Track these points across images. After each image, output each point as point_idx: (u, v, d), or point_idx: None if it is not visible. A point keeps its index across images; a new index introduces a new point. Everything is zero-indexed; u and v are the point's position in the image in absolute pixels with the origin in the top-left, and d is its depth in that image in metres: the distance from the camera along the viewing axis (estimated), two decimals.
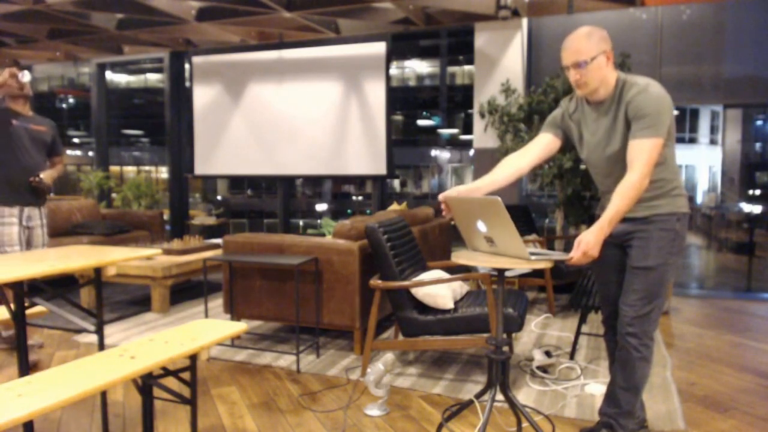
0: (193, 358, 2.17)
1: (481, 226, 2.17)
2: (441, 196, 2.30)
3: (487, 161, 5.69)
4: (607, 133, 2.24)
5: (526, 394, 2.98)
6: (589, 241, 2.05)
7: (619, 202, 2.08)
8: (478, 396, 2.43)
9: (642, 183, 2.09)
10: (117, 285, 5.58)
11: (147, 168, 27.40)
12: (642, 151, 2.09)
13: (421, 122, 26.43)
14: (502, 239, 2.14)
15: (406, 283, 3.10)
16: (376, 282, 3.15)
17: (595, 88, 2.23)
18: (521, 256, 2.12)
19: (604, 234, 2.07)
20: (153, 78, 27.36)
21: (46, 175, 3.53)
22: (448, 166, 26.71)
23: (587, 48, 2.18)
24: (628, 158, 2.13)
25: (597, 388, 3.01)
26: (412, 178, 27.30)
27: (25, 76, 3.48)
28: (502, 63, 5.63)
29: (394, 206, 5.18)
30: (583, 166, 5.20)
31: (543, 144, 2.43)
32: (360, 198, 26.41)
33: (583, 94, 2.28)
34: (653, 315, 2.23)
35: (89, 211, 6.19)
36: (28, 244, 3.53)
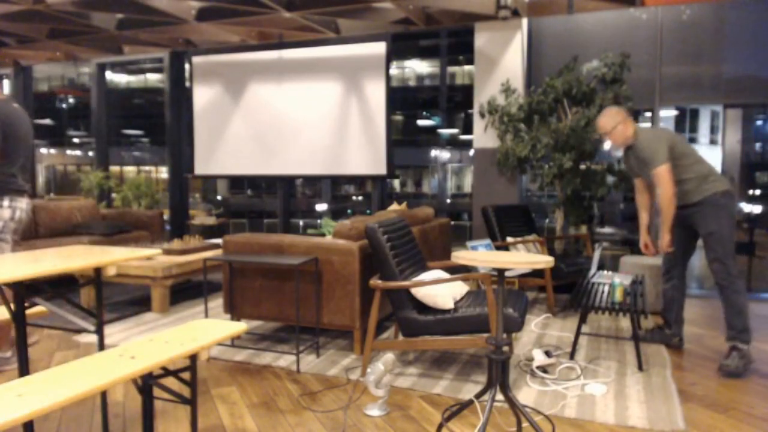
0: (193, 358, 2.17)
1: None
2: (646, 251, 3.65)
3: (487, 161, 5.69)
4: (640, 165, 3.54)
5: (526, 394, 2.98)
6: (665, 241, 3.39)
7: (664, 214, 3.34)
8: (478, 396, 2.43)
9: (667, 194, 3.29)
10: (117, 285, 5.59)
11: (147, 168, 27.40)
12: (656, 177, 3.34)
13: (421, 122, 26.41)
14: None
15: (406, 283, 3.10)
16: (376, 282, 3.15)
17: (622, 144, 3.55)
18: None
19: (668, 231, 3.38)
20: (153, 78, 27.35)
21: None
22: (448, 166, 26.71)
23: (606, 124, 3.53)
24: (655, 184, 3.38)
25: (597, 388, 3.01)
26: (412, 178, 27.30)
27: None
28: (502, 63, 5.63)
29: (394, 206, 5.18)
30: (582, 167, 5.21)
31: (642, 183, 3.69)
32: (360, 198, 26.41)
33: (617, 147, 3.59)
34: (728, 261, 3.28)
35: (89, 211, 6.19)
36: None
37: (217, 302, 4.93)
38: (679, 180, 3.39)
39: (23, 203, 3.33)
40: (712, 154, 24.27)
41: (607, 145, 3.61)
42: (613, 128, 3.48)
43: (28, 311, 2.26)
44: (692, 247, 3.63)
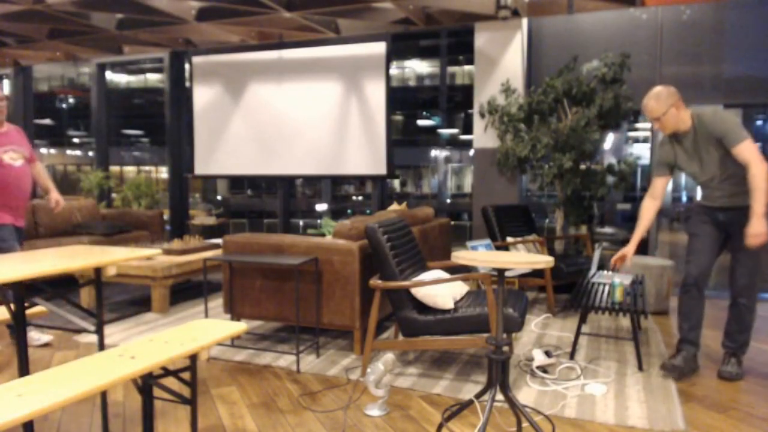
0: (193, 358, 2.17)
1: None
2: (614, 260, 3.26)
3: (487, 161, 5.69)
4: (696, 152, 3.11)
5: (526, 394, 2.98)
6: (756, 229, 2.84)
7: (759, 192, 2.83)
8: (478, 396, 2.43)
9: (763, 168, 2.83)
10: (117, 285, 5.59)
11: (147, 168, 27.38)
12: (745, 149, 2.88)
13: (421, 122, 26.40)
14: None
15: (406, 283, 3.10)
16: (376, 282, 3.15)
17: (673, 130, 3.10)
18: None
19: (762, 218, 2.84)
20: (153, 78, 27.33)
21: None
22: (448, 167, 26.70)
23: (658, 107, 3.05)
24: (742, 160, 2.90)
25: (597, 388, 3.01)
26: (412, 178, 27.29)
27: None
28: (502, 63, 5.63)
29: (394, 206, 5.18)
30: (582, 167, 5.20)
31: (663, 183, 3.29)
32: (360, 198, 26.40)
33: (666, 134, 3.16)
34: (755, 279, 3.10)
35: (89, 211, 6.19)
36: None
37: (217, 302, 4.93)
38: (735, 176, 3.03)
39: None
40: None
41: (655, 127, 3.15)
42: (665, 112, 3.04)
43: (28, 311, 2.26)
44: (719, 255, 3.28)
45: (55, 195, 3.83)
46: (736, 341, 3.23)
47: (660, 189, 3.30)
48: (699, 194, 3.35)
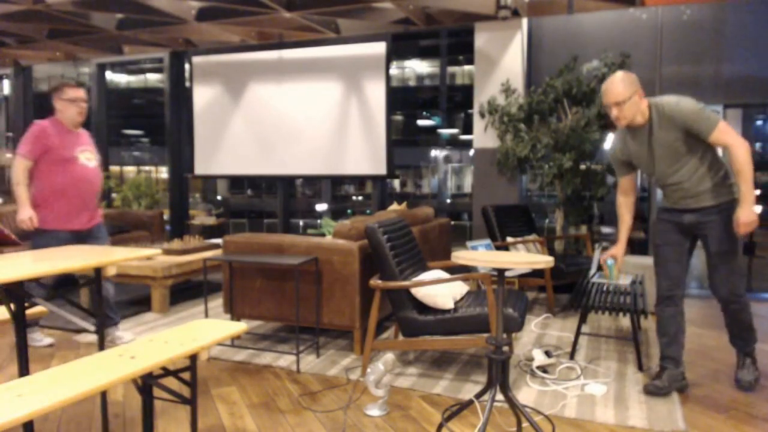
0: (193, 358, 2.17)
1: None
2: (602, 259, 3.11)
3: (487, 161, 5.69)
4: (650, 147, 2.84)
5: (526, 394, 2.98)
6: (747, 216, 2.59)
7: (744, 175, 2.59)
8: (478, 396, 2.43)
9: (744, 148, 2.59)
10: (117, 285, 5.58)
11: (147, 168, 27.37)
12: (723, 133, 2.63)
13: (421, 122, 26.40)
14: None
15: (406, 283, 3.10)
16: (376, 282, 3.15)
17: (629, 121, 2.79)
18: None
19: (751, 203, 2.59)
20: (153, 78, 27.33)
21: None
22: (448, 166, 26.70)
23: (623, 91, 2.73)
24: (721, 146, 2.67)
25: (597, 388, 3.01)
26: (412, 178, 27.29)
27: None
28: (502, 63, 5.63)
29: (394, 206, 5.18)
30: (582, 167, 5.20)
31: (630, 180, 3.08)
32: (360, 198, 26.40)
33: (623, 125, 2.84)
34: (738, 281, 2.85)
35: None
36: None
37: (217, 302, 4.92)
38: (696, 173, 2.80)
39: None
40: None
41: (612, 116, 2.81)
42: (629, 98, 2.73)
43: (28, 311, 2.26)
44: (690, 260, 3.04)
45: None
46: (743, 338, 3.05)
47: (628, 186, 3.08)
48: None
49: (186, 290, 5.47)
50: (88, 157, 3.66)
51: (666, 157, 2.80)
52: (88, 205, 3.67)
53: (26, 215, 3.48)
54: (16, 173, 3.46)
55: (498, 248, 4.69)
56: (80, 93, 3.63)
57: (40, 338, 3.77)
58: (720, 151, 2.83)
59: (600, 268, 3.33)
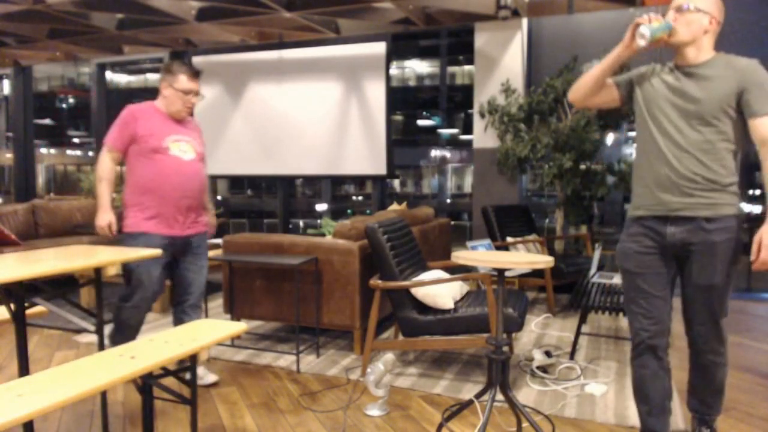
0: (193, 358, 2.17)
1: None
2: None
3: (487, 161, 5.69)
4: (685, 101, 2.11)
5: (526, 394, 2.98)
6: None
7: None
8: (478, 396, 2.43)
9: None
10: (117, 285, 5.58)
11: None
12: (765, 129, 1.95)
13: (421, 122, 26.41)
14: None
15: (406, 283, 3.10)
16: (376, 282, 3.15)
17: (683, 42, 2.16)
18: None
19: None
20: (153, 78, 27.33)
21: None
22: (448, 166, 26.70)
23: (704, 3, 2.11)
24: (759, 138, 1.99)
25: (597, 388, 3.01)
26: (412, 178, 27.30)
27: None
28: (502, 63, 5.62)
29: (394, 206, 5.18)
30: (582, 167, 5.19)
31: (609, 91, 2.34)
32: (360, 198, 26.40)
33: (669, 40, 2.21)
34: (724, 327, 2.14)
35: (89, 211, 6.19)
36: None
37: (217, 302, 4.92)
38: (710, 165, 2.05)
39: None
40: None
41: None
42: (701, 11, 2.13)
43: (28, 311, 2.26)
44: (672, 294, 2.23)
45: (208, 217, 3.25)
46: (705, 403, 2.28)
47: (603, 94, 2.35)
48: (632, 201, 2.27)
49: None
50: (183, 148, 2.97)
51: (699, 114, 2.06)
52: (182, 207, 2.97)
53: (104, 221, 2.93)
54: (99, 167, 2.96)
55: (498, 248, 4.69)
56: (195, 85, 2.97)
57: (202, 374, 3.12)
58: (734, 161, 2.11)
59: (601, 267, 3.30)
